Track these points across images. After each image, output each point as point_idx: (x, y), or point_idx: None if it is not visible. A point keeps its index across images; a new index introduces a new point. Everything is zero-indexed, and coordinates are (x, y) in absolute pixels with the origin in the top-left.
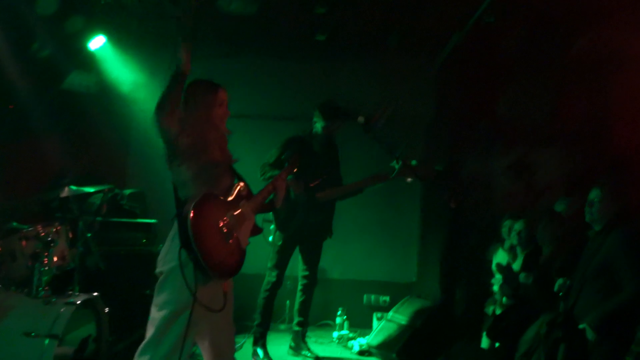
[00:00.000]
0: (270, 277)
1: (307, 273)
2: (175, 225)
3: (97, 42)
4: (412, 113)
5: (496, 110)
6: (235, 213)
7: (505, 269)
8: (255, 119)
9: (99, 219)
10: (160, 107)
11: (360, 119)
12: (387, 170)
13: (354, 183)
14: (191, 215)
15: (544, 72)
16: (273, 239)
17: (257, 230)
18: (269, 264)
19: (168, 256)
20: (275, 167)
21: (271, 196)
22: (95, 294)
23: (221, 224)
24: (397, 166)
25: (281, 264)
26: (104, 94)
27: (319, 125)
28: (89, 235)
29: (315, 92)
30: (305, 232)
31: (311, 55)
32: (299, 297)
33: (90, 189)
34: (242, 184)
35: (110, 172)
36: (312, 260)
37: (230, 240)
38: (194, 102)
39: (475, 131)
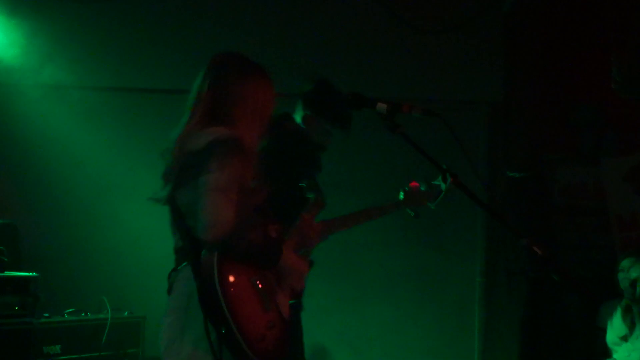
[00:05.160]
0: None
1: None
2: (183, 288)
3: None
4: (466, 92)
5: (611, 82)
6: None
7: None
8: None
9: None
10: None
11: (381, 106)
12: (414, 194)
13: (354, 213)
14: (216, 263)
15: None
16: None
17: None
18: None
19: (187, 335)
20: None
21: None
22: None
23: (258, 281)
24: (444, 185)
25: None
26: None
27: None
28: None
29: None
30: None
31: None
32: None
33: None
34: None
35: None
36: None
37: (272, 307)
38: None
39: (575, 116)
